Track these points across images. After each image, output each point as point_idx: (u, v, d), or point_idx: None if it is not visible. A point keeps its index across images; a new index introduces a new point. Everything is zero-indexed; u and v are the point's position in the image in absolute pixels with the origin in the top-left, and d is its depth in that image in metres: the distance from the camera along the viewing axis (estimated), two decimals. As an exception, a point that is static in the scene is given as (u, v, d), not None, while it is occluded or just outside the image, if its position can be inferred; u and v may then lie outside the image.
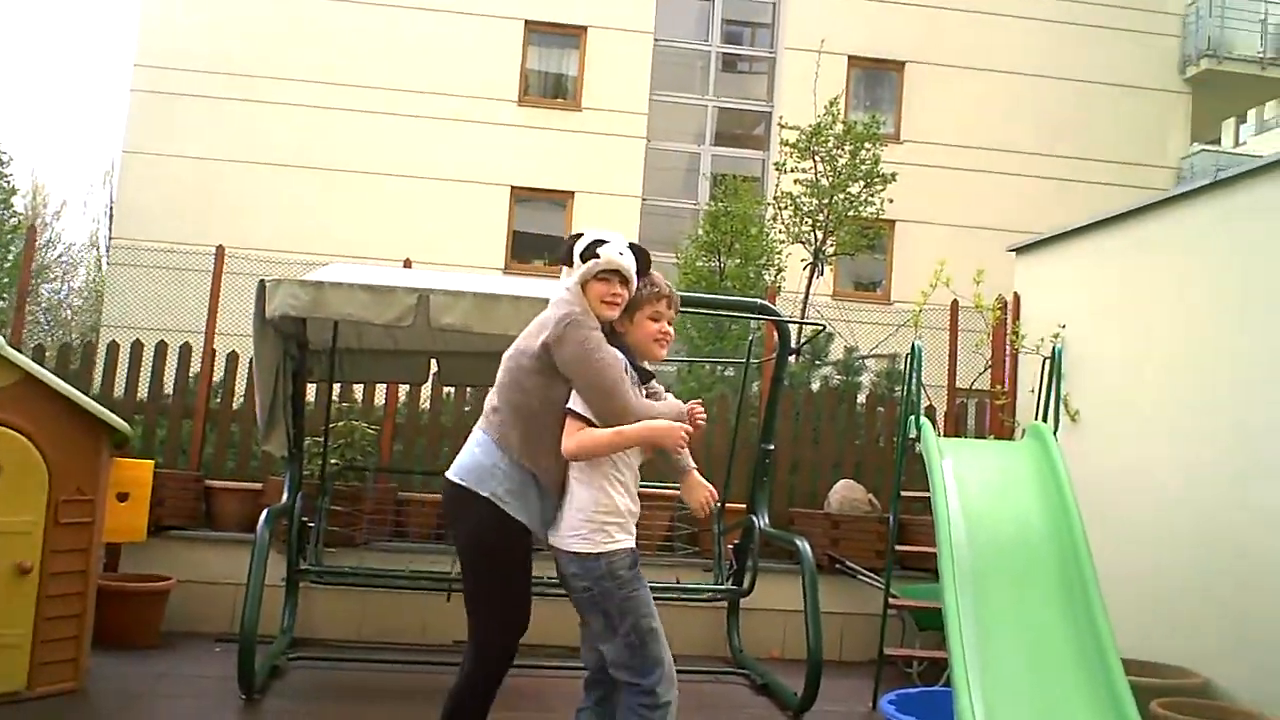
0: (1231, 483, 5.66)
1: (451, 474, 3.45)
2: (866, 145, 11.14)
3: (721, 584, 6.63)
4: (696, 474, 3.54)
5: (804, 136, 11.07)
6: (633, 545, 3.31)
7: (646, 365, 3.51)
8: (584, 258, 3.42)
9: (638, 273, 3.47)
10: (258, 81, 17.66)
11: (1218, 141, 27.26)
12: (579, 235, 3.50)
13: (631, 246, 3.51)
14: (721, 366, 9.15)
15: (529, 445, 3.35)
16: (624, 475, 3.33)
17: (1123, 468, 6.55)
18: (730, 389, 8.47)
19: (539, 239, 18.68)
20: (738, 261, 11.70)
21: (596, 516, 3.25)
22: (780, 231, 11.21)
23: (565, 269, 3.51)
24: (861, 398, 8.58)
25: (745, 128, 20.47)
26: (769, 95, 19.86)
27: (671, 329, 3.54)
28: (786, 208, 10.99)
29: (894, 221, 16.30)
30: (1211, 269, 6.14)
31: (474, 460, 3.41)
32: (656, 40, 19.21)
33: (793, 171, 11.14)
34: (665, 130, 19.43)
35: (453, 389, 7.89)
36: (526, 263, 18.14)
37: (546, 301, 5.32)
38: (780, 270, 11.75)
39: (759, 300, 7.16)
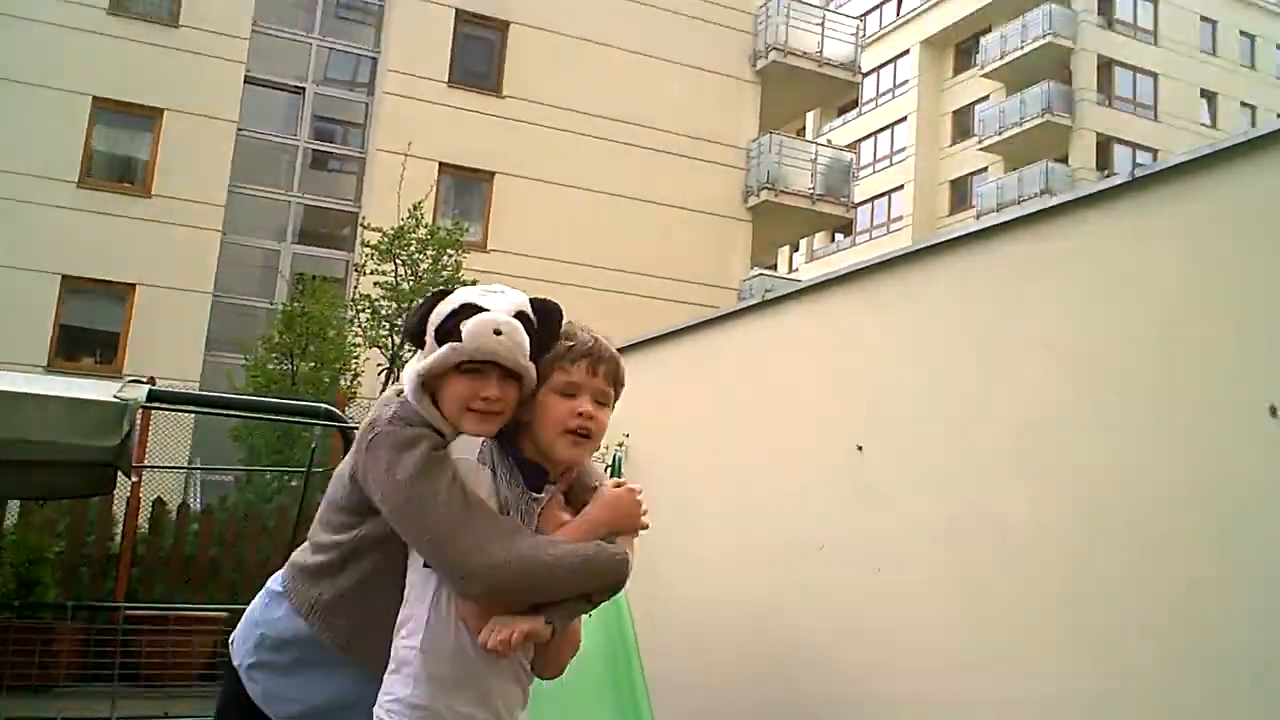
0: (774, 570, 5.91)
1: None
2: (449, 251, 11.10)
3: (272, 715, 6.05)
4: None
5: (385, 239, 10.87)
6: None
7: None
8: (441, 336, 2.17)
9: (541, 345, 2.21)
10: None
11: (775, 266, 30.05)
12: (440, 294, 2.24)
13: (534, 304, 2.24)
14: (287, 476, 8.59)
15: (333, 614, 2.24)
16: None
17: (679, 565, 6.70)
18: (294, 499, 7.94)
19: (92, 334, 17.04)
20: (313, 365, 11.17)
21: None
22: (357, 335, 10.86)
23: (414, 351, 2.27)
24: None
25: (332, 227, 19.99)
26: (358, 196, 19.56)
27: (605, 411, 2.24)
28: (364, 310, 10.68)
29: (480, 328, 16.36)
30: (759, 380, 6.49)
31: (249, 612, 2.41)
32: (240, 130, 18.39)
33: (373, 274, 10.88)
34: (244, 224, 18.54)
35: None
36: (75, 360, 16.40)
37: (85, 404, 4.69)
38: (357, 375, 11.35)
39: (323, 405, 6.76)
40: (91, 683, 6.35)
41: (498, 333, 2.13)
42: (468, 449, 2.12)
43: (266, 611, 2.34)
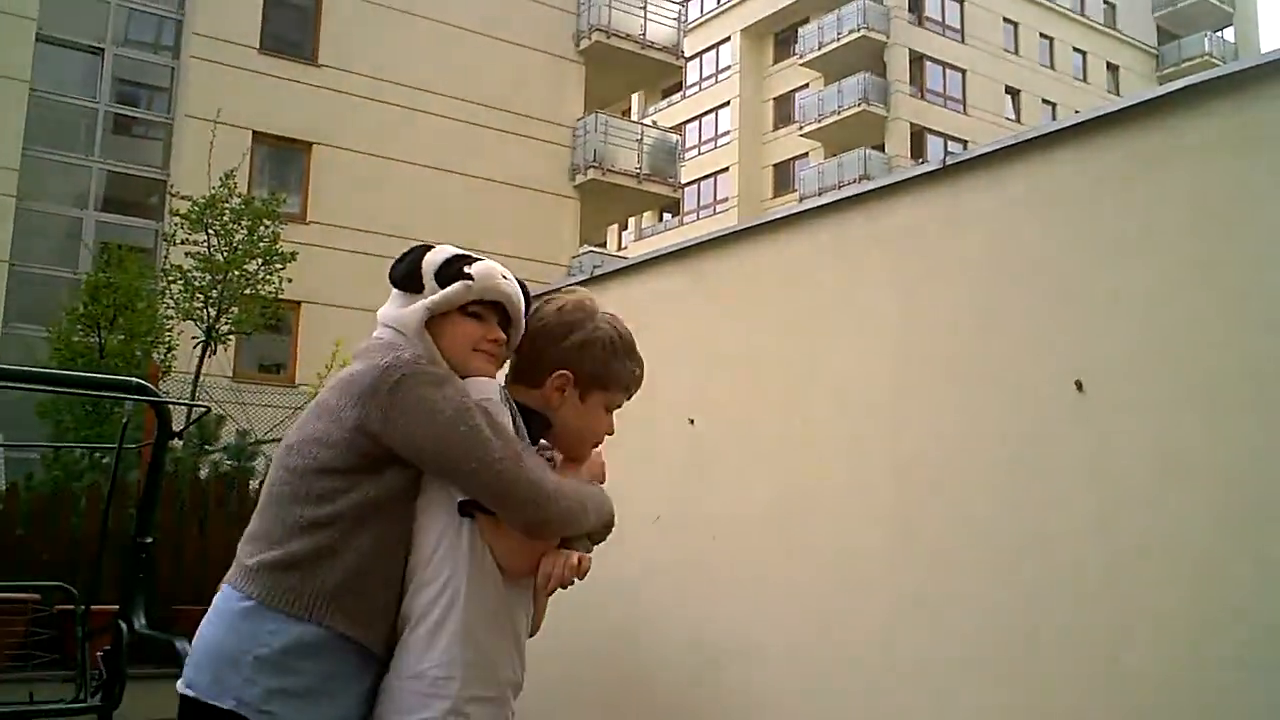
0: (602, 547, 6.02)
1: (182, 680, 2.02)
2: (265, 222, 10.76)
3: (85, 698, 5.81)
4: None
5: (196, 208, 10.46)
6: None
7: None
8: (442, 279, 2.18)
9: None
10: None
11: (604, 244, 30.28)
12: (424, 247, 2.27)
13: None
14: (98, 452, 8.20)
15: (347, 599, 1.99)
16: None
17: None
18: (106, 476, 7.61)
19: None
20: (122, 337, 10.67)
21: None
22: (170, 307, 10.43)
23: (399, 294, 2.22)
24: (254, 483, 8.12)
25: (138, 195, 19.06)
26: (165, 163, 18.71)
27: None
28: (176, 281, 10.27)
29: (300, 302, 15.95)
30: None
31: (210, 643, 2.01)
32: (34, 90, 17.31)
33: (185, 244, 10.46)
34: (42, 190, 17.49)
35: None
36: None
37: None
38: (171, 349, 10.91)
39: (134, 379, 6.49)
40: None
41: (505, 278, 2.22)
42: (488, 391, 2.09)
43: (247, 628, 1.98)
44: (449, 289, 2.16)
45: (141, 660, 5.99)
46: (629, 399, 2.26)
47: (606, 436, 2.24)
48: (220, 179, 10.78)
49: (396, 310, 2.18)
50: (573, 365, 2.17)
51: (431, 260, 2.21)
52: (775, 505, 5.08)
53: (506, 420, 2.06)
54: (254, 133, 18.01)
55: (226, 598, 2.03)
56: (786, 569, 5.00)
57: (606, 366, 2.17)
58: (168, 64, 19.32)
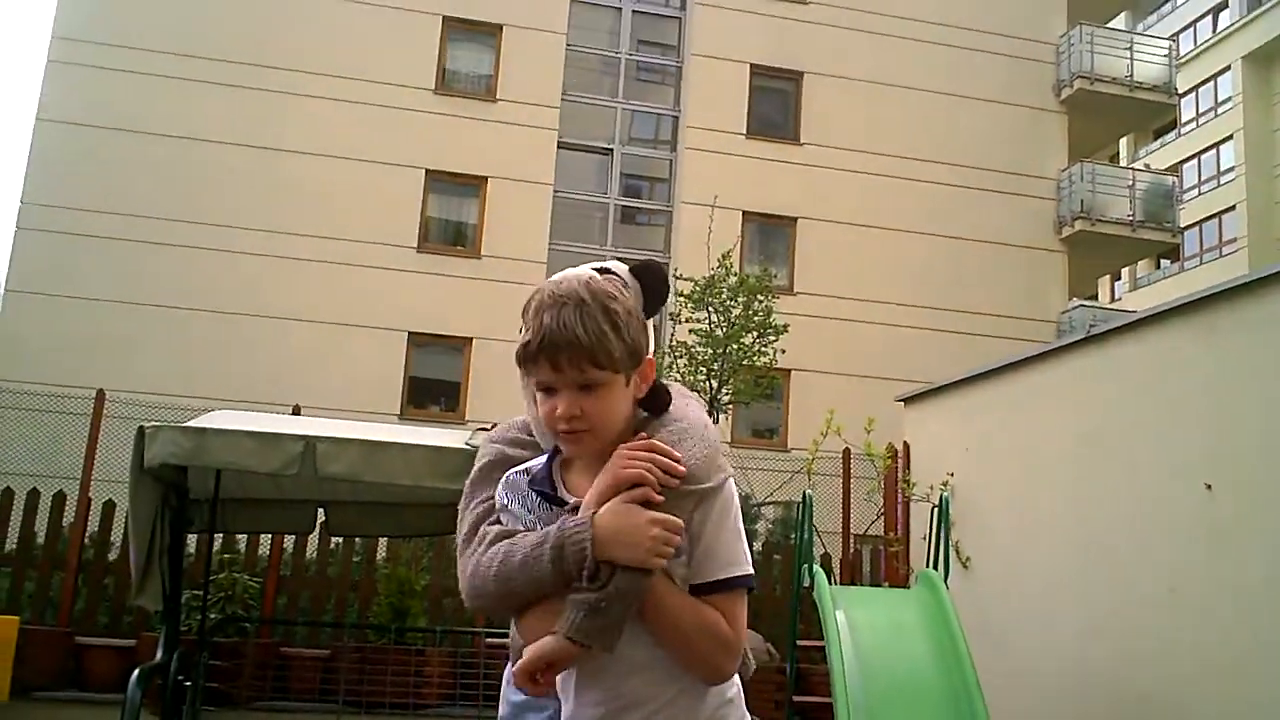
0: (1119, 613, 5.76)
1: None
2: (759, 297, 11.41)
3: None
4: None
5: (698, 288, 11.31)
6: None
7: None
8: None
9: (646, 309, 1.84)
10: (147, 222, 17.42)
11: (1095, 297, 28.69)
12: None
13: (633, 268, 1.89)
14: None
15: None
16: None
17: (1014, 611, 6.63)
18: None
19: (437, 385, 18.63)
20: (633, 408, 11.71)
21: None
22: (676, 380, 11.33)
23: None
24: (758, 545, 8.59)
25: (643, 278, 20.81)
26: (667, 247, 20.35)
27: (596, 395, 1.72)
28: (681, 356, 11.14)
29: (789, 370, 16.63)
30: (1090, 418, 6.36)
31: None
32: (556, 191, 19.63)
33: (688, 321, 11.34)
34: (564, 279, 19.67)
35: (341, 540, 7.69)
36: (423, 409, 17.99)
37: (443, 451, 5.27)
38: (677, 419, 11.80)
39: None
40: (459, 704, 6.92)
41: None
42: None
43: None
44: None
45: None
46: (549, 369, 1.70)
47: (562, 427, 1.71)
48: (719, 260, 11.59)
49: None
50: None
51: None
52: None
53: (487, 507, 1.87)
54: (744, 212, 19.17)
55: None
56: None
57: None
58: (666, 156, 21.10)
